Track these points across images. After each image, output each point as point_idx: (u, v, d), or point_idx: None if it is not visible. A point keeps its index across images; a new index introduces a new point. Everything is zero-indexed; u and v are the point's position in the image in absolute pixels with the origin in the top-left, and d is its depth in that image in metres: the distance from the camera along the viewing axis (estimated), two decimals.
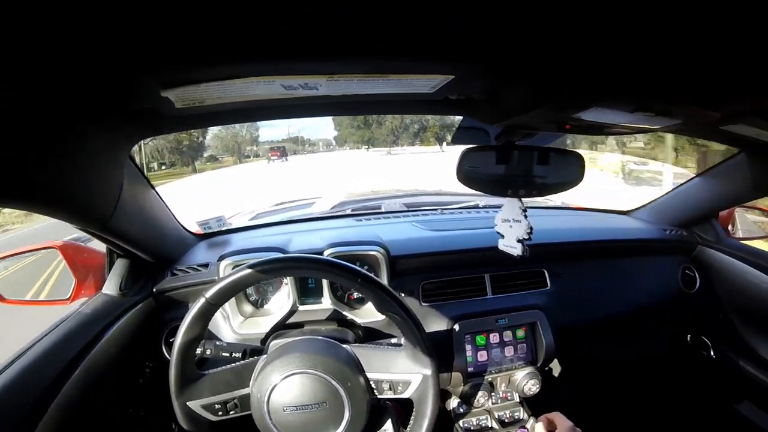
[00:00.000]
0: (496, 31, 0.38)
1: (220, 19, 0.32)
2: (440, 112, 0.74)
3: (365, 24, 0.35)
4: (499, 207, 1.35)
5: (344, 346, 0.73)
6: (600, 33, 0.36)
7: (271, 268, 0.68)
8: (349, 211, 1.55)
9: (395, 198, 1.71)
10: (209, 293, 0.65)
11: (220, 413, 0.69)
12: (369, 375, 0.71)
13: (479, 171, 0.77)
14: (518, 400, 1.05)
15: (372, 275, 0.68)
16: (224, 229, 1.23)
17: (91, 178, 0.64)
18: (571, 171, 0.82)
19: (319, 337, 0.75)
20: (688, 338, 1.32)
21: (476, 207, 1.44)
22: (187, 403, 0.68)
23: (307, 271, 0.71)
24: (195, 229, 1.20)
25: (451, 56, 0.44)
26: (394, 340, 0.80)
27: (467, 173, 0.77)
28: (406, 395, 0.71)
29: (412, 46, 0.40)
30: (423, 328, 0.69)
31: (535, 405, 1.06)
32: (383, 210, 1.50)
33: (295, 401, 0.66)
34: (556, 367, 1.07)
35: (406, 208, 1.51)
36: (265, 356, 0.72)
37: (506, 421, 1.03)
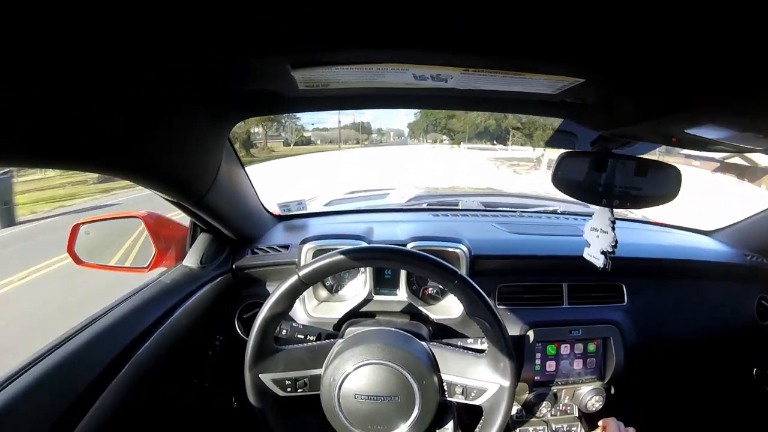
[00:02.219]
0: (635, 41, 0.37)
1: (364, 1, 0.31)
2: (551, 114, 0.72)
3: (513, 20, 0.34)
4: (578, 214, 1.34)
5: (422, 342, 0.72)
6: (724, 50, 0.35)
7: (369, 257, 0.68)
8: (425, 205, 1.54)
9: (473, 196, 1.67)
10: (303, 272, 0.65)
11: (288, 389, 0.71)
12: (444, 376, 0.70)
13: (575, 177, 0.75)
14: (578, 414, 1.01)
15: (468, 278, 0.66)
16: (303, 212, 1.25)
17: (197, 154, 0.66)
18: (668, 185, 0.78)
19: (399, 330, 0.74)
20: (754, 372, 1.24)
21: (555, 212, 1.39)
22: (260, 375, 0.69)
23: (403, 264, 0.71)
24: (274, 210, 1.22)
25: (587, 61, 0.43)
26: (469, 341, 0.79)
27: (563, 178, 0.75)
28: (477, 402, 0.70)
29: (554, 46, 0.39)
30: (510, 339, 0.68)
31: (593, 422, 1.02)
32: (460, 207, 1.47)
33: (367, 390, 0.66)
34: (620, 386, 1.03)
35: (484, 207, 1.48)
36: (342, 340, 0.72)
37: None
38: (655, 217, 1.46)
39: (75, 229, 1.02)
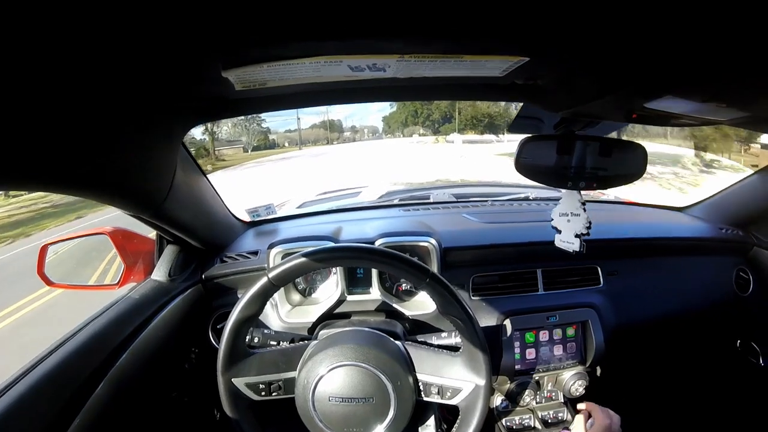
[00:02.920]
0: (577, 13, 0.35)
1: None
2: (504, 98, 0.71)
3: None
4: (549, 200, 1.34)
5: (397, 342, 0.71)
6: (683, 20, 0.34)
7: (338, 256, 0.66)
8: (396, 201, 1.53)
9: (443, 188, 1.66)
10: (273, 273, 0.64)
11: (263, 393, 0.69)
12: (419, 376, 0.69)
13: (539, 161, 0.74)
14: (563, 400, 1.01)
15: (440, 276, 0.65)
16: (272, 217, 1.23)
17: (146, 164, 0.64)
18: (634, 163, 0.77)
19: (373, 330, 0.73)
20: (738, 344, 1.25)
21: (527, 199, 1.39)
22: (233, 379, 0.68)
23: (373, 263, 0.69)
24: (243, 216, 1.20)
25: (527, 37, 0.42)
26: (443, 336, 0.78)
27: (526, 163, 0.74)
28: (453, 402, 0.69)
29: (490, 24, 0.38)
30: (483, 336, 0.67)
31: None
32: (432, 200, 1.46)
33: (341, 392, 0.65)
34: (603, 368, 1.03)
35: (455, 199, 1.47)
36: (315, 342, 0.71)
37: (549, 421, 1.00)
38: (625, 196, 1.47)
39: (43, 250, 1.00)
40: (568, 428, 0.92)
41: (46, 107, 0.38)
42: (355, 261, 0.70)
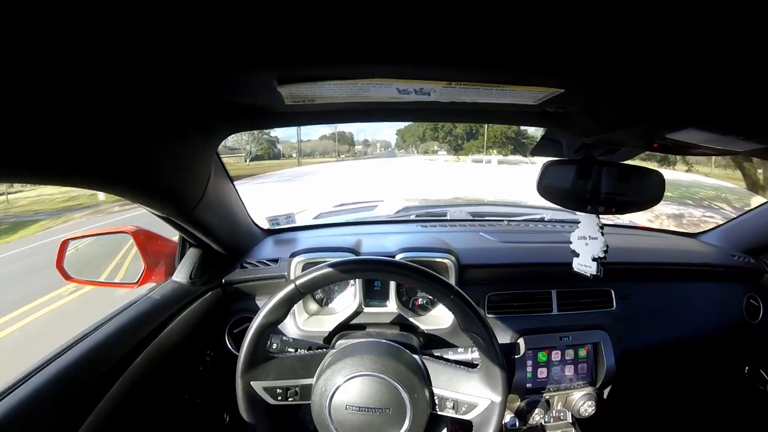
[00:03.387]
0: (611, 52, 0.38)
1: (348, 18, 0.32)
2: (533, 123, 0.73)
3: (493, 35, 0.35)
4: (564, 221, 1.35)
5: (414, 355, 0.72)
6: (705, 59, 0.36)
7: (365, 268, 0.68)
8: (413, 217, 1.55)
9: (460, 206, 1.69)
10: (300, 281, 0.65)
11: (279, 398, 0.70)
12: (435, 389, 0.70)
13: (560, 184, 0.76)
14: (571, 420, 1.01)
15: (464, 294, 0.67)
16: (291, 226, 1.25)
17: (185, 169, 0.66)
18: (651, 190, 0.79)
19: (391, 342, 0.74)
20: (746, 370, 1.25)
21: (542, 220, 1.40)
22: (251, 382, 0.69)
23: (399, 277, 0.71)
24: (262, 223, 1.22)
25: (565, 72, 0.44)
26: (460, 351, 0.79)
27: (548, 186, 0.76)
28: (467, 417, 0.70)
29: (533, 59, 0.40)
30: (502, 354, 0.68)
31: (587, 427, 1.02)
32: (448, 218, 1.49)
33: (358, 401, 0.65)
34: (612, 390, 1.03)
35: (471, 217, 1.49)
36: (333, 351, 0.72)
37: None
38: (640, 221, 1.49)
39: (64, 245, 1.01)
40: None
41: (91, 103, 0.39)
42: (382, 274, 0.71)
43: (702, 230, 1.34)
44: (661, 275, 1.11)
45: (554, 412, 1.00)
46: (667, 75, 0.42)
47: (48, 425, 0.55)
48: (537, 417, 0.97)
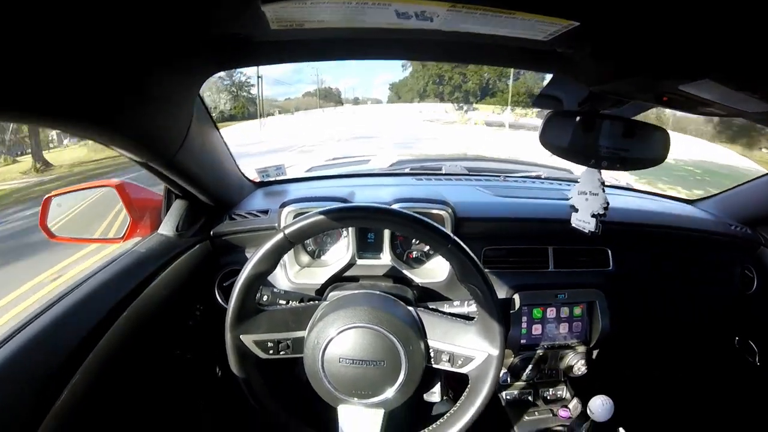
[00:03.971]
0: None
1: None
2: (539, 67, 0.69)
3: None
4: (561, 180, 1.33)
5: (409, 307, 0.71)
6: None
7: (358, 216, 0.65)
8: (407, 170, 1.51)
9: (455, 161, 1.64)
10: (289, 229, 0.62)
11: (270, 351, 0.69)
12: (430, 342, 0.69)
13: (564, 137, 0.73)
14: (563, 378, 1.03)
15: (461, 243, 0.64)
16: (282, 178, 1.21)
17: (163, 110, 0.62)
18: (656, 148, 0.77)
19: (386, 294, 0.72)
20: (736, 341, 1.27)
21: (539, 177, 1.38)
22: (241, 336, 0.67)
23: (396, 226, 0.68)
24: (252, 176, 1.18)
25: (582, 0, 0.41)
26: (456, 304, 0.78)
27: (550, 138, 0.73)
28: (464, 370, 0.69)
29: None
30: (500, 307, 0.66)
31: (578, 386, 1.04)
32: (444, 171, 1.45)
33: (352, 354, 0.64)
34: (605, 350, 1.04)
35: (467, 172, 1.45)
36: (326, 303, 0.71)
37: (549, 398, 1.01)
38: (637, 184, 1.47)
39: (46, 203, 0.98)
40: (567, 407, 0.94)
41: (62, 36, 0.36)
42: (376, 222, 0.68)
43: (700, 197, 1.33)
44: (658, 238, 1.10)
45: (547, 369, 1.00)
46: (696, 16, 0.38)
47: (32, 385, 0.53)
48: (530, 373, 0.98)
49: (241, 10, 0.45)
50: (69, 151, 15.76)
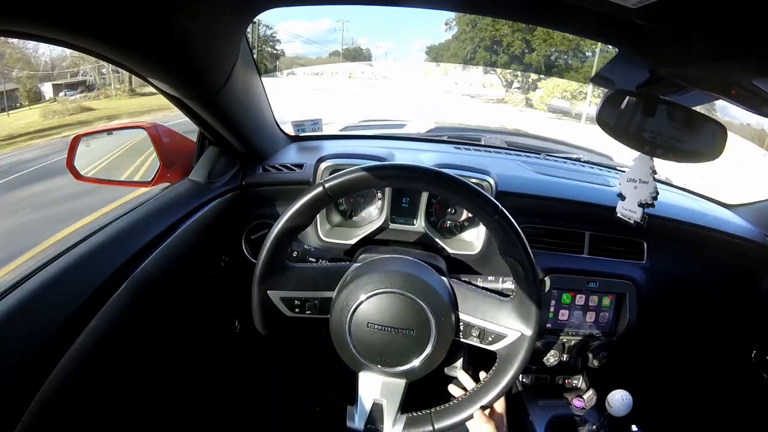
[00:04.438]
0: None
1: None
2: (611, 38, 0.64)
3: None
4: (602, 166, 1.29)
5: (442, 277, 0.68)
6: None
7: (403, 176, 0.62)
8: (446, 138, 1.46)
9: (496, 133, 1.60)
10: (330, 183, 0.60)
11: (296, 310, 0.67)
12: (462, 315, 0.66)
13: (621, 119, 0.70)
14: (581, 368, 1.01)
15: (510, 216, 0.61)
16: (318, 134, 1.18)
17: (212, 44, 0.60)
18: (713, 143, 0.73)
19: (420, 261, 0.70)
20: (753, 354, 1.25)
21: (579, 160, 1.34)
22: (268, 291, 0.65)
23: (440, 189, 0.64)
24: (288, 129, 1.16)
25: None
26: (490, 279, 0.75)
27: (608, 117, 0.70)
28: (493, 348, 0.66)
29: None
30: (540, 286, 0.64)
31: (595, 377, 1.03)
32: (483, 143, 1.40)
33: (381, 319, 0.62)
34: (627, 345, 1.02)
35: (506, 146, 1.40)
36: (358, 264, 0.68)
37: (565, 386, 1.01)
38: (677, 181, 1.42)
39: (75, 142, 0.96)
40: (581, 396, 0.93)
41: None
42: (422, 183, 0.65)
43: (738, 203, 1.28)
44: (694, 238, 1.07)
45: (566, 356, 0.99)
46: None
47: (52, 323, 0.53)
48: (552, 359, 0.96)
49: None
50: None
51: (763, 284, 1.15)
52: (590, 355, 0.96)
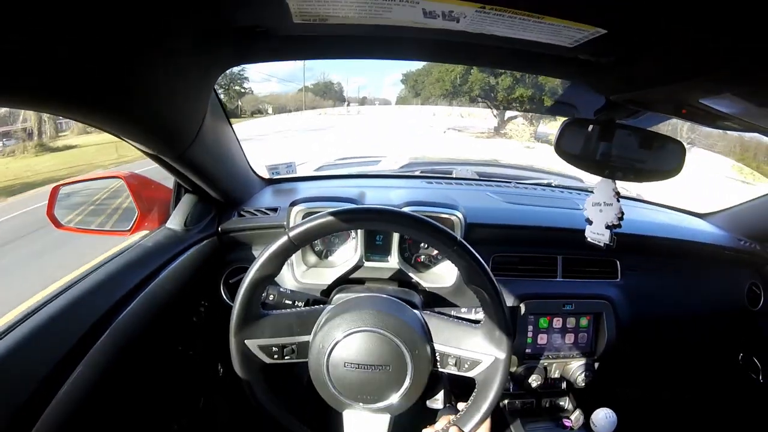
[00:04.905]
0: None
1: None
2: (562, 74, 0.69)
3: None
4: (572, 189, 1.33)
5: (415, 311, 0.70)
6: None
7: (365, 218, 0.64)
8: (418, 173, 1.51)
9: (466, 165, 1.64)
10: (294, 232, 0.61)
11: (275, 356, 0.67)
12: (437, 346, 0.68)
13: (579, 146, 0.73)
14: (566, 389, 1.02)
15: (468, 245, 0.63)
16: (292, 176, 1.20)
17: (179, 101, 0.62)
18: (672, 160, 0.76)
19: (391, 297, 0.71)
20: (740, 357, 1.26)
21: (549, 185, 1.37)
22: (245, 341, 0.66)
23: (401, 227, 0.67)
24: (262, 173, 1.18)
25: (613, 8, 0.41)
26: (463, 311, 0.77)
27: (566, 146, 0.73)
28: (470, 374, 0.67)
29: None
30: (507, 311, 0.65)
31: (581, 397, 1.03)
32: (454, 176, 1.44)
33: (357, 358, 0.63)
34: (609, 363, 1.03)
35: (477, 177, 1.45)
36: (331, 306, 0.69)
37: (551, 408, 1.01)
38: (648, 196, 1.46)
39: (54, 192, 0.98)
40: (569, 417, 0.93)
41: (77, 24, 0.36)
42: (382, 224, 0.67)
43: (710, 211, 1.32)
44: (667, 251, 1.09)
45: (550, 379, 0.99)
46: (720, 30, 0.38)
47: (34, 377, 0.53)
48: (534, 383, 0.96)
49: (265, 1, 0.45)
50: None
51: (743, 287, 1.17)
52: (573, 376, 0.97)
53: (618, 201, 0.75)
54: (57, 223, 0.96)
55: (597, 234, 0.78)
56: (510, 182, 1.36)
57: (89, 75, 0.43)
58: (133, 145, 0.66)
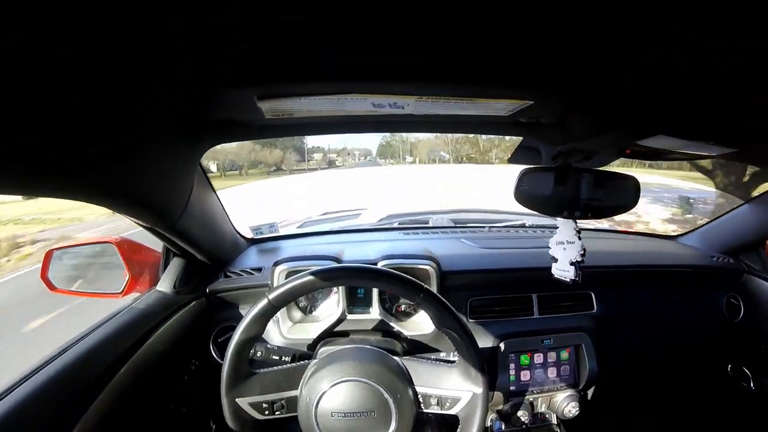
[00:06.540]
0: (576, 65, 0.40)
1: (326, 40, 0.34)
2: (507, 132, 0.75)
3: (461, 53, 0.37)
4: (545, 227, 1.38)
5: (395, 358, 0.73)
6: (674, 73, 0.39)
7: (335, 276, 0.69)
8: (396, 224, 1.57)
9: (442, 214, 1.71)
10: (272, 295, 0.66)
11: (266, 412, 0.71)
12: (418, 388, 0.72)
13: (537, 191, 0.78)
14: (555, 421, 1.03)
15: (434, 291, 0.68)
16: (274, 235, 1.25)
17: (168, 179, 0.67)
18: (626, 195, 0.81)
19: (372, 347, 0.75)
20: (729, 368, 1.28)
21: (523, 226, 1.43)
22: (236, 399, 0.69)
23: (369, 282, 0.72)
24: (245, 233, 1.23)
25: (533, 85, 0.46)
26: (442, 355, 0.80)
27: (525, 193, 0.78)
28: (452, 412, 0.71)
29: (501, 74, 0.42)
30: (478, 347, 0.69)
31: (572, 429, 1.04)
32: (431, 225, 1.51)
33: (343, 408, 0.66)
34: (595, 391, 1.05)
35: (453, 224, 1.51)
36: (316, 361, 0.73)
37: None
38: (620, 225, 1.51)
39: (48, 255, 1.01)
40: None
41: (74, 114, 0.39)
42: (354, 281, 0.73)
43: (681, 232, 1.37)
44: (641, 278, 1.14)
45: (539, 413, 1.01)
46: (634, 86, 0.44)
47: None
48: (522, 419, 0.99)
49: (240, 104, 0.51)
50: None
51: (721, 301, 1.21)
52: (560, 408, 0.99)
53: (580, 239, 0.80)
54: (51, 286, 0.99)
55: (563, 271, 0.82)
56: (484, 227, 1.41)
57: (90, 163, 0.47)
58: (126, 217, 0.71)
